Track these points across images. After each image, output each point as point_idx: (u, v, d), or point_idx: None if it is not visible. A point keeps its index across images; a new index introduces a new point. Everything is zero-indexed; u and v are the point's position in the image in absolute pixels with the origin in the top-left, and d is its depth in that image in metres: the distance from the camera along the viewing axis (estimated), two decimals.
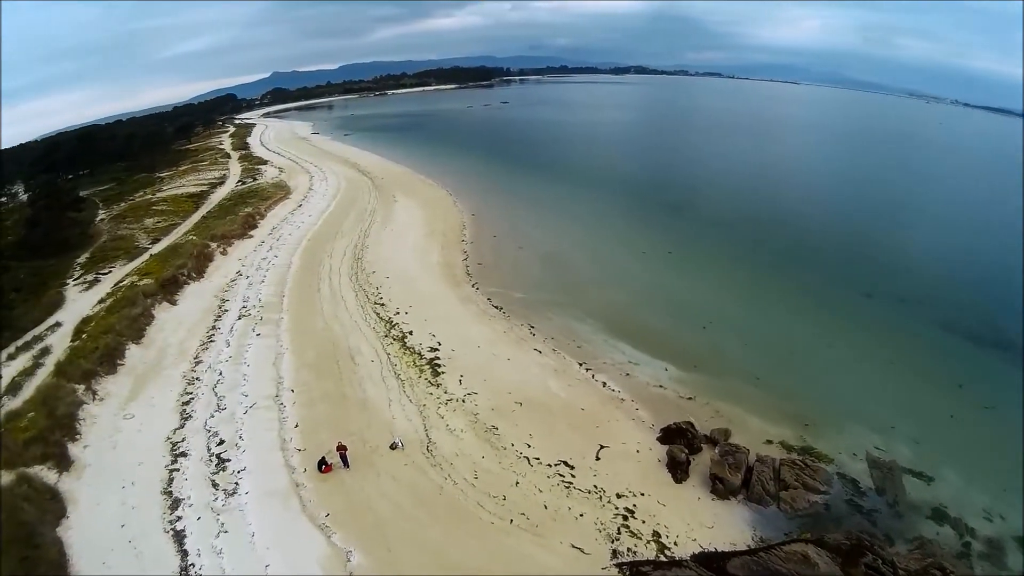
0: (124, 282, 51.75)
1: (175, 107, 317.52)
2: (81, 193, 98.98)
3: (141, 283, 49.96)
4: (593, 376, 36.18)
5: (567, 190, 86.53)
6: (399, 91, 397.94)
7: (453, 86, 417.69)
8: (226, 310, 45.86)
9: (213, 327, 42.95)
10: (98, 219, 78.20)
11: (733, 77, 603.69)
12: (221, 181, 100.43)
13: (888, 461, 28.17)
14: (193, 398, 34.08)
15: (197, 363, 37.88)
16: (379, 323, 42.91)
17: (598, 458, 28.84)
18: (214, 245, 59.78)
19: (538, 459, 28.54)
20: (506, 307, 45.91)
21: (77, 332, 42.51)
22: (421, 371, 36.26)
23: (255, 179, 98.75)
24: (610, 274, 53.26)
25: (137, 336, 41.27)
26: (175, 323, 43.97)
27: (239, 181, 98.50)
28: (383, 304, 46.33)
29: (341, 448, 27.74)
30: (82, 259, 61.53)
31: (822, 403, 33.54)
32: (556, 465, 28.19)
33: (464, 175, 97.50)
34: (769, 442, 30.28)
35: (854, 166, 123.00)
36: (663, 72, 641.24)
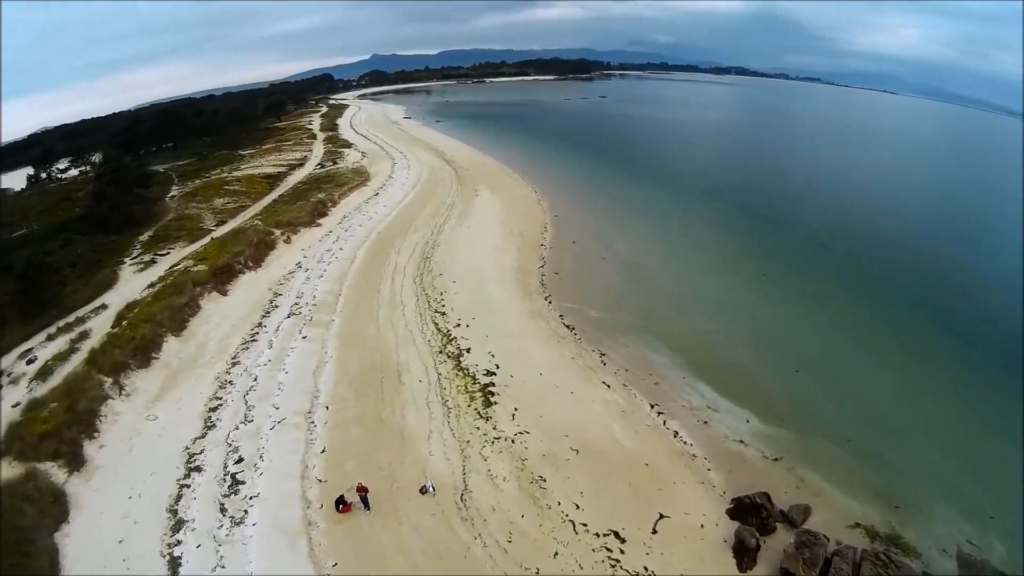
0: (179, 266, 53.86)
1: (271, 84, 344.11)
2: (160, 167, 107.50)
3: (194, 269, 51.68)
4: (665, 423, 33.27)
5: (659, 194, 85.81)
6: (498, 79, 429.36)
7: (552, 77, 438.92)
8: (276, 306, 46.16)
9: (259, 324, 43.20)
10: (169, 195, 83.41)
11: (832, 84, 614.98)
12: (301, 163, 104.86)
13: (980, 560, 25.40)
14: (222, 404, 33.81)
15: (234, 364, 37.90)
16: (436, 335, 41.47)
17: (655, 531, 25.72)
18: (278, 232, 61.24)
19: (585, 526, 25.66)
20: (578, 327, 43.81)
21: (119, 318, 44.21)
22: (472, 399, 34.21)
23: (335, 163, 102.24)
24: (696, 296, 50.95)
25: (178, 328, 42.16)
26: (221, 316, 44.70)
27: (319, 164, 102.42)
28: (444, 313, 45.03)
29: (362, 490, 25.98)
30: (144, 237, 65.28)
31: (917, 477, 30.41)
32: (605, 536, 25.23)
33: (552, 170, 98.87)
34: (855, 525, 26.76)
35: (965, 189, 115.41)
36: (763, 74, 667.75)
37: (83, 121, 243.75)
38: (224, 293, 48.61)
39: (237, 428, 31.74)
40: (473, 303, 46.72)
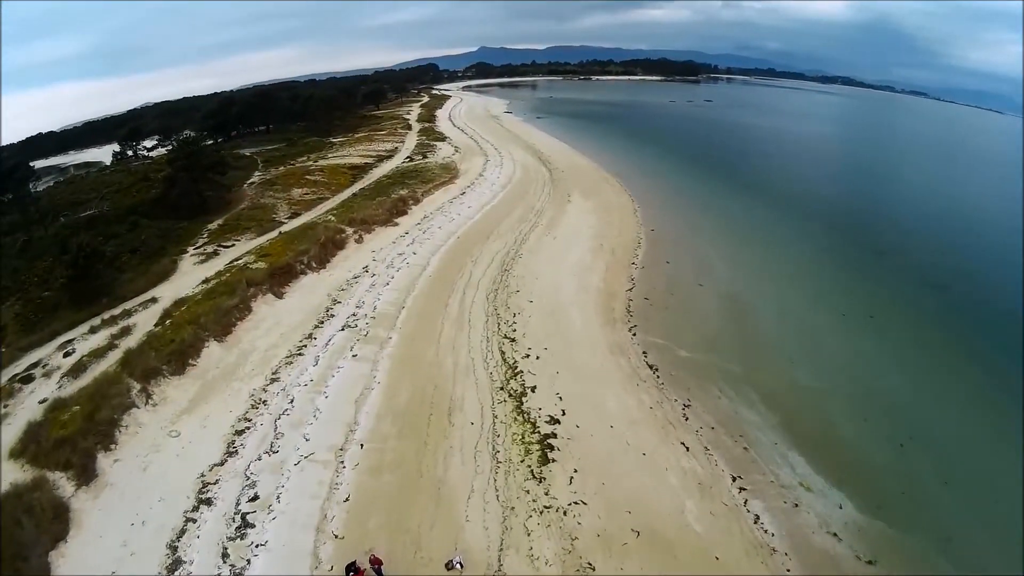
0: (240, 261, 54.71)
1: (376, 72, 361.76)
2: (247, 151, 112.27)
3: (254, 265, 52.20)
4: (746, 503, 29.97)
5: (764, 214, 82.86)
6: (604, 78, 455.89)
7: (659, 78, 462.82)
8: (333, 315, 45.52)
9: (309, 336, 42.55)
10: (248, 182, 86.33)
11: (938, 99, 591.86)
12: (390, 155, 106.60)
13: None
14: (250, 428, 32.97)
15: (273, 380, 37.21)
16: (500, 367, 39.38)
17: None
18: (350, 231, 61.29)
19: None
20: (663, 368, 40.78)
21: (165, 315, 45.09)
22: (527, 452, 31.53)
23: (425, 157, 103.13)
24: (798, 340, 47.45)
25: (223, 333, 42.30)
26: (272, 322, 44.52)
27: (407, 157, 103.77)
28: (513, 339, 42.97)
29: (376, 562, 23.82)
30: (214, 225, 67.42)
31: None
32: None
33: (652, 178, 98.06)
34: None
35: None
36: (869, 86, 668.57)
37: (184, 99, 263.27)
38: (280, 296, 48.58)
39: (260, 458, 30.63)
40: (548, 329, 44.60)
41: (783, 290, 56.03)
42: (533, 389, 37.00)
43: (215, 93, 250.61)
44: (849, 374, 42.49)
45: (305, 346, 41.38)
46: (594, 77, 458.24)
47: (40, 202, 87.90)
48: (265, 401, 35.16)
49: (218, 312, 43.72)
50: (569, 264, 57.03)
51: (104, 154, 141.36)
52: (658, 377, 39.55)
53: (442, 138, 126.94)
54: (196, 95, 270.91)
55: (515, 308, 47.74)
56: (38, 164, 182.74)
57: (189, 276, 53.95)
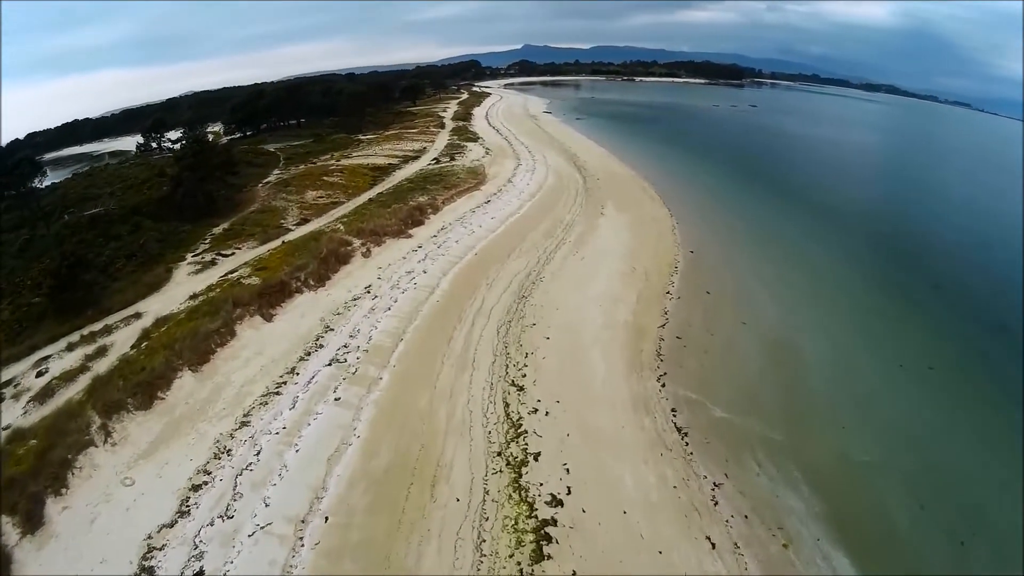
0: (234, 273, 51.44)
1: (417, 67, 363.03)
2: (272, 146, 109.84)
3: (247, 280, 48.82)
4: None
5: (815, 235, 75.24)
6: (647, 79, 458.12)
7: (702, 81, 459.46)
8: (322, 345, 41.29)
9: (292, 370, 38.43)
10: (264, 181, 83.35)
11: (982, 111, 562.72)
12: (417, 155, 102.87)
13: None
14: (208, 483, 29.10)
15: (243, 424, 33.22)
16: (501, 424, 34.26)
17: None
18: (357, 243, 57.46)
19: None
20: (694, 433, 34.95)
21: (144, 336, 41.95)
22: (519, 543, 26.47)
23: (452, 159, 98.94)
24: (851, 398, 40.76)
25: (199, 361, 38.65)
26: (254, 350, 40.74)
27: (434, 159, 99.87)
28: (522, 387, 37.75)
29: None
30: (219, 230, 64.44)
31: None
32: None
33: (694, 190, 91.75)
34: None
35: None
36: (912, 95, 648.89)
37: (224, 89, 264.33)
38: (268, 318, 44.74)
39: (212, 523, 26.76)
40: (564, 374, 39.23)
41: (835, 333, 49.66)
42: (536, 457, 31.80)
43: (254, 84, 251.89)
44: (906, 444, 36.69)
45: (285, 383, 37.14)
46: (637, 78, 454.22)
47: (49, 196, 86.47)
48: (229, 451, 31.18)
49: (196, 337, 40.06)
50: (596, 292, 51.56)
51: (132, 143, 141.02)
52: (687, 444, 34.02)
53: (474, 138, 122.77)
54: (236, 85, 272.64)
55: (528, 346, 42.55)
56: (70, 151, 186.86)
57: (182, 287, 50.93)
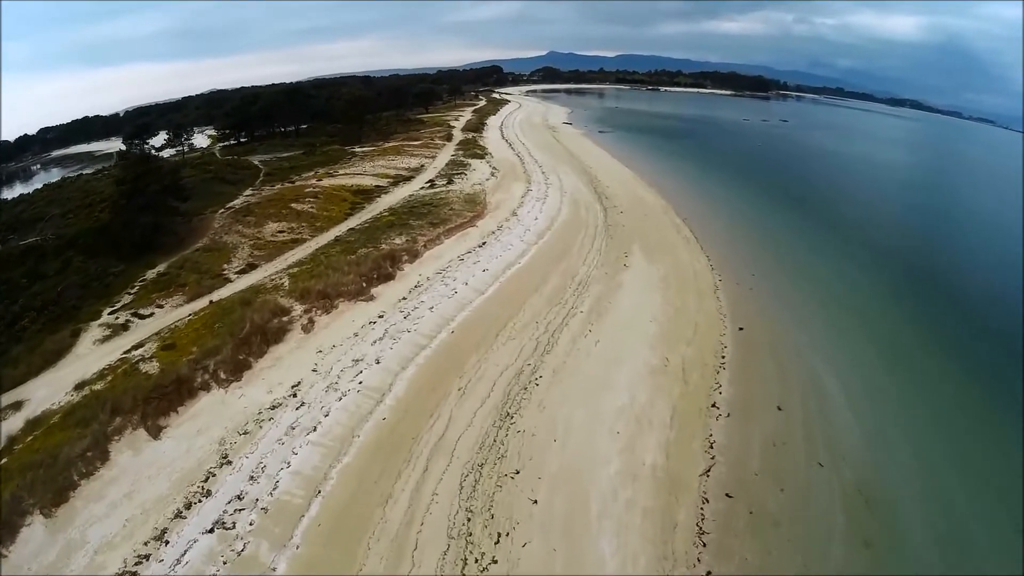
0: (140, 349, 39.17)
1: (439, 71, 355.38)
2: (257, 158, 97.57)
3: (145, 366, 36.45)
4: None
5: (893, 295, 57.55)
6: (672, 88, 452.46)
7: (729, 92, 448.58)
8: (210, 491, 27.98)
9: (161, 534, 25.57)
10: (228, 205, 70.85)
11: (1007, 128, 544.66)
12: (411, 175, 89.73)
13: None
14: None
15: None
16: None
17: None
18: (299, 310, 44.08)
19: None
20: None
21: (7, 447, 30.43)
22: None
23: (451, 181, 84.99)
24: None
25: (55, 501, 26.87)
26: (126, 488, 28.05)
27: (429, 181, 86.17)
28: None
29: None
30: (153, 273, 52.46)
31: None
32: None
33: (736, 226, 74.25)
34: None
35: None
36: (937, 110, 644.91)
37: (239, 88, 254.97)
38: (156, 433, 31.70)
39: None
40: None
41: (940, 474, 32.88)
42: None
43: (272, 84, 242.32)
44: None
45: (148, 556, 24.50)
46: (663, 88, 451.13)
47: (10, 211, 75.44)
48: None
49: (56, 465, 28.12)
50: (613, 407, 35.30)
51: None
52: None
53: (481, 154, 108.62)
54: (252, 85, 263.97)
55: (503, 517, 27.27)
56: (76, 149, 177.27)
57: (78, 364, 39.18)
